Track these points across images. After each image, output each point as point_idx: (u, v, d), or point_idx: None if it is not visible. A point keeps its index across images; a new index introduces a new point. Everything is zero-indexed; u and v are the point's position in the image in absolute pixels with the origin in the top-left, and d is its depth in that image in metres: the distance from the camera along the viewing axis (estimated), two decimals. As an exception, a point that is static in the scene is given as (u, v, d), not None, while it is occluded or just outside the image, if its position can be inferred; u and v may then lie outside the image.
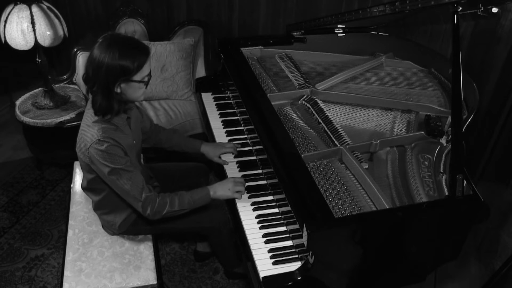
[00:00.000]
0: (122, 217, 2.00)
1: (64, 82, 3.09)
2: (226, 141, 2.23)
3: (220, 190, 1.91)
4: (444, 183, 1.75)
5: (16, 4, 2.54)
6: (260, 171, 2.05)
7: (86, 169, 1.88)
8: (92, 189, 1.96)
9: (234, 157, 2.15)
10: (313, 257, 1.52)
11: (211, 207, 2.05)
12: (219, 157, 2.14)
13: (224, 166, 2.11)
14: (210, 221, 2.09)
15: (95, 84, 1.66)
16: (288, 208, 1.71)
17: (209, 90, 2.57)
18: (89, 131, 1.73)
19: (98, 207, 2.03)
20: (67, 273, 1.95)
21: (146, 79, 1.71)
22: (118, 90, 1.68)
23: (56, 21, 2.64)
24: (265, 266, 1.64)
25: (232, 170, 2.08)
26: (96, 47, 1.65)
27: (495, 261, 2.59)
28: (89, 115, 1.77)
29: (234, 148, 2.15)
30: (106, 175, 1.75)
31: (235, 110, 2.41)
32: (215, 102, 2.50)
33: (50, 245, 2.62)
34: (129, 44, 1.67)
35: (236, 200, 1.91)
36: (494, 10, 2.02)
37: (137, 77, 1.68)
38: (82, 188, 2.04)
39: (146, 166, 2.23)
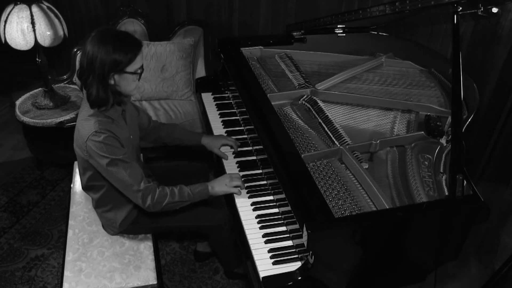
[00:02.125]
0: (123, 215, 2.00)
1: (64, 82, 3.09)
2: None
3: (217, 186, 1.93)
4: (444, 183, 1.75)
5: (16, 4, 2.54)
6: (260, 171, 2.05)
7: (84, 166, 1.89)
8: (92, 186, 1.97)
9: (234, 157, 2.15)
10: (313, 257, 1.52)
11: (212, 207, 2.05)
12: (219, 148, 2.17)
13: (225, 166, 2.11)
14: (211, 220, 2.10)
15: (89, 76, 1.71)
16: (288, 208, 1.71)
17: (209, 90, 2.57)
18: (86, 124, 1.76)
19: (98, 205, 2.03)
20: (67, 273, 1.95)
21: (138, 71, 1.77)
22: (112, 82, 1.74)
23: (56, 21, 2.63)
24: (265, 266, 1.64)
25: (232, 170, 2.08)
26: (90, 40, 1.69)
27: (495, 261, 2.59)
28: (84, 110, 1.80)
29: (234, 142, 2.17)
30: (104, 167, 1.76)
31: (235, 110, 2.41)
32: (215, 102, 2.50)
33: (50, 245, 2.62)
34: (122, 37, 1.72)
35: (236, 200, 1.91)
36: (494, 10, 2.03)
37: (130, 68, 1.72)
38: (83, 188, 2.05)
39: (146, 166, 2.23)
